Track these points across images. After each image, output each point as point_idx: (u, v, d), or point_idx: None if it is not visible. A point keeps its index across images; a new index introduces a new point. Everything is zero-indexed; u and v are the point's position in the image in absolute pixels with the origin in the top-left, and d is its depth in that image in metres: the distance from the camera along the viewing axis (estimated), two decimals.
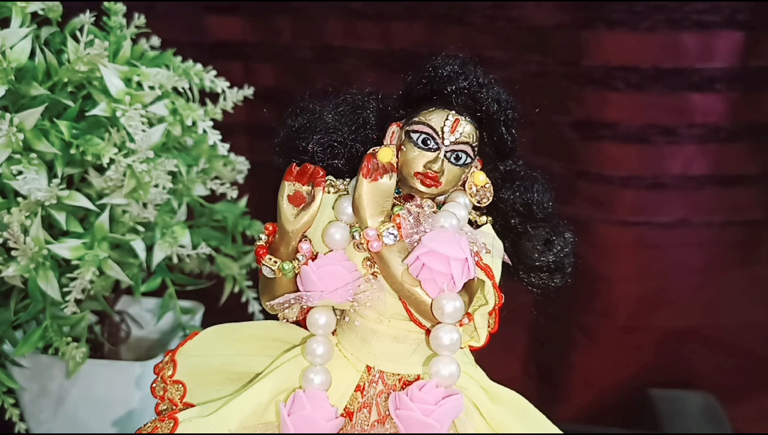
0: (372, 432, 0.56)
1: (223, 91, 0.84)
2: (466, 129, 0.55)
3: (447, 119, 0.55)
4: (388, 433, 0.55)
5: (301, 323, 0.59)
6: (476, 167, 0.57)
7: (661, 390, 1.08)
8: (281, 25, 1.13)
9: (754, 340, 1.13)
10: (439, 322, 0.53)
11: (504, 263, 0.57)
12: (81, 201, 0.71)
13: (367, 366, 0.57)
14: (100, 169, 0.74)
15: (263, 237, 0.57)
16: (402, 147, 0.56)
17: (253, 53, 1.15)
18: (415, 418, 0.52)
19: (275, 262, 0.55)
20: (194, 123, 0.78)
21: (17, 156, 0.68)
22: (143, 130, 0.71)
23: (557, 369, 1.18)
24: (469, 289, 0.53)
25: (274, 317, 0.59)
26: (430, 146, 0.55)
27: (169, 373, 0.60)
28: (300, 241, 0.55)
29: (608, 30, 0.99)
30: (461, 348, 0.56)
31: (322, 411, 0.55)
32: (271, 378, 0.57)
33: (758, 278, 1.11)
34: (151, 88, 0.74)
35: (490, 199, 0.57)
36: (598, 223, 1.08)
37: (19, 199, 0.69)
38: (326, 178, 0.56)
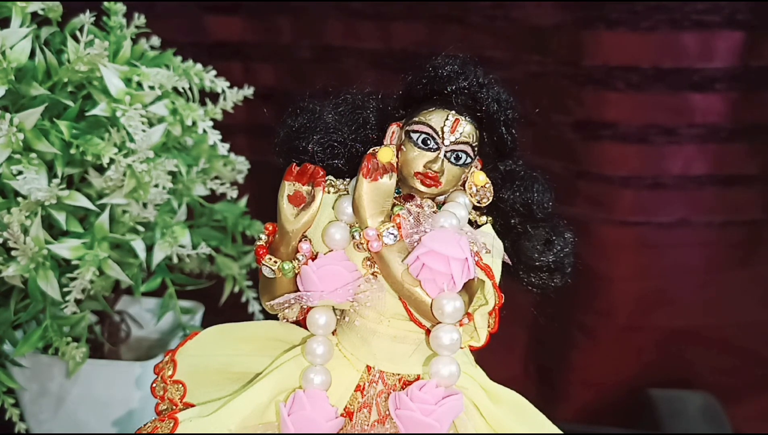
0: (372, 432, 0.56)
1: (223, 91, 0.84)
2: (466, 129, 0.55)
3: (447, 119, 0.55)
4: (388, 433, 0.55)
5: (301, 323, 0.59)
6: (476, 167, 0.57)
7: (661, 390, 1.08)
8: (281, 25, 1.13)
9: (754, 340, 1.13)
10: (439, 322, 0.53)
11: (504, 263, 0.57)
12: (81, 201, 0.71)
13: (367, 366, 0.57)
14: (100, 169, 0.74)
15: (263, 237, 0.57)
16: (402, 147, 0.56)
17: (253, 53, 1.15)
18: (415, 418, 0.52)
19: (275, 262, 0.55)
20: (194, 123, 0.78)
21: (17, 156, 0.68)
22: (143, 130, 0.71)
23: (557, 369, 1.18)
24: (469, 289, 0.53)
25: (274, 317, 0.59)
26: (430, 146, 0.55)
27: (169, 373, 0.60)
28: (300, 241, 0.55)
29: (608, 30, 0.99)
30: (461, 348, 0.56)
31: (322, 411, 0.55)
32: (271, 378, 0.57)
33: (758, 278, 1.11)
34: (151, 88, 0.74)
35: (490, 199, 0.57)
36: (598, 223, 1.08)
37: (19, 199, 0.69)
38: (326, 178, 0.56)
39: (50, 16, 0.76)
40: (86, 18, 0.75)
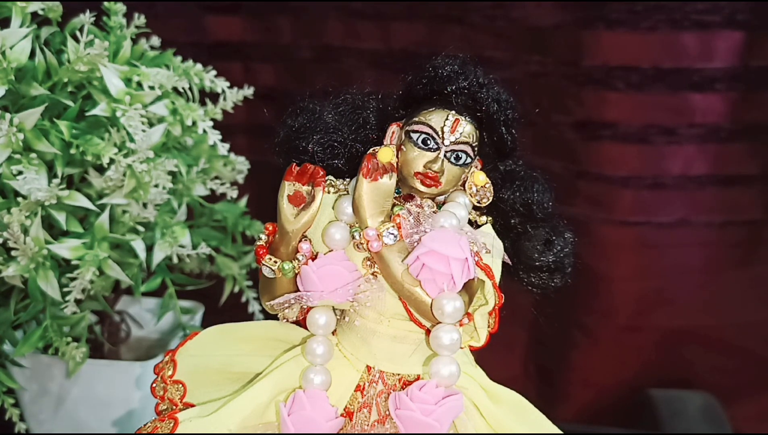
0: (372, 432, 0.56)
1: (223, 91, 0.84)
2: (466, 129, 0.55)
3: (447, 119, 0.55)
4: (388, 433, 0.55)
5: (301, 323, 0.59)
6: (476, 167, 0.57)
7: (661, 390, 1.08)
8: (281, 25, 1.13)
9: (754, 340, 1.13)
10: (439, 322, 0.53)
11: (504, 263, 0.57)
12: (81, 201, 0.71)
13: (367, 366, 0.57)
14: (100, 169, 0.74)
15: (263, 237, 0.57)
16: (402, 147, 0.56)
17: (253, 53, 1.15)
18: (415, 418, 0.52)
19: (275, 262, 0.55)
20: (194, 123, 0.78)
21: (17, 156, 0.68)
22: (143, 130, 0.71)
23: (557, 369, 1.18)
24: (469, 289, 0.53)
25: (274, 317, 0.59)
26: (430, 146, 0.55)
27: (169, 373, 0.60)
28: (300, 241, 0.55)
29: (608, 30, 0.99)
30: (461, 348, 0.56)
31: (322, 411, 0.55)
32: (271, 378, 0.57)
33: (758, 278, 1.11)
34: (151, 88, 0.74)
35: (490, 199, 0.57)
36: (598, 223, 1.08)
37: (19, 199, 0.69)
38: (326, 178, 0.56)
39: (50, 16, 0.76)
40: (86, 18, 0.75)
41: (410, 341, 0.56)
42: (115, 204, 0.75)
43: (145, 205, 0.76)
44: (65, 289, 0.72)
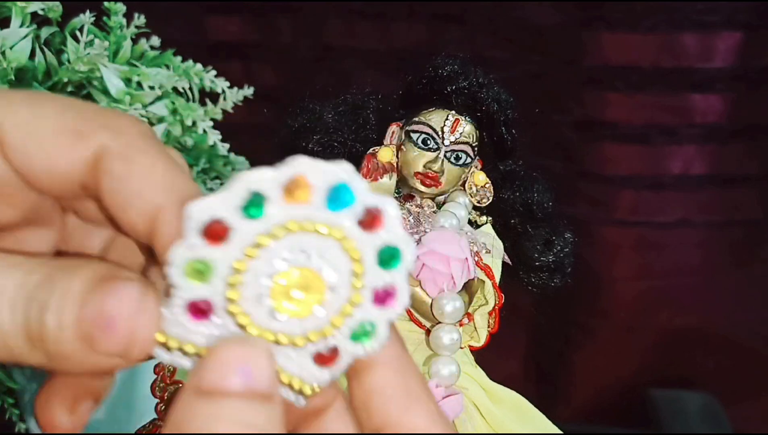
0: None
1: (223, 91, 0.84)
2: (466, 129, 0.55)
3: (447, 119, 0.55)
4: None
5: None
6: (476, 167, 0.57)
7: (661, 390, 1.08)
8: (281, 25, 1.13)
9: (754, 340, 1.13)
10: (439, 322, 0.53)
11: (504, 263, 0.57)
12: None
13: None
14: None
15: None
16: (402, 147, 0.56)
17: (253, 53, 1.15)
18: None
19: None
20: (194, 123, 0.78)
21: None
22: None
23: (557, 369, 1.18)
24: (469, 289, 0.53)
25: None
26: (430, 146, 0.55)
27: (169, 373, 0.60)
28: None
29: (608, 30, 0.99)
30: (461, 348, 0.56)
31: None
32: None
33: (758, 278, 1.11)
34: (151, 88, 0.74)
35: (490, 199, 0.57)
36: (598, 223, 1.08)
37: None
38: None
39: (50, 16, 0.75)
40: (86, 18, 0.75)
41: (410, 341, 0.56)
42: None
43: None
44: None
